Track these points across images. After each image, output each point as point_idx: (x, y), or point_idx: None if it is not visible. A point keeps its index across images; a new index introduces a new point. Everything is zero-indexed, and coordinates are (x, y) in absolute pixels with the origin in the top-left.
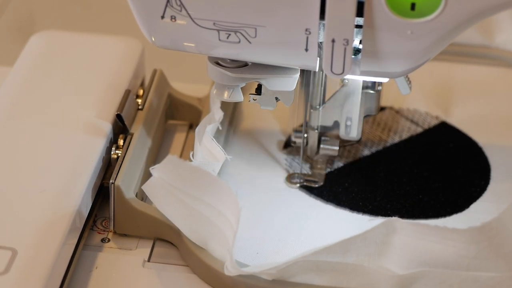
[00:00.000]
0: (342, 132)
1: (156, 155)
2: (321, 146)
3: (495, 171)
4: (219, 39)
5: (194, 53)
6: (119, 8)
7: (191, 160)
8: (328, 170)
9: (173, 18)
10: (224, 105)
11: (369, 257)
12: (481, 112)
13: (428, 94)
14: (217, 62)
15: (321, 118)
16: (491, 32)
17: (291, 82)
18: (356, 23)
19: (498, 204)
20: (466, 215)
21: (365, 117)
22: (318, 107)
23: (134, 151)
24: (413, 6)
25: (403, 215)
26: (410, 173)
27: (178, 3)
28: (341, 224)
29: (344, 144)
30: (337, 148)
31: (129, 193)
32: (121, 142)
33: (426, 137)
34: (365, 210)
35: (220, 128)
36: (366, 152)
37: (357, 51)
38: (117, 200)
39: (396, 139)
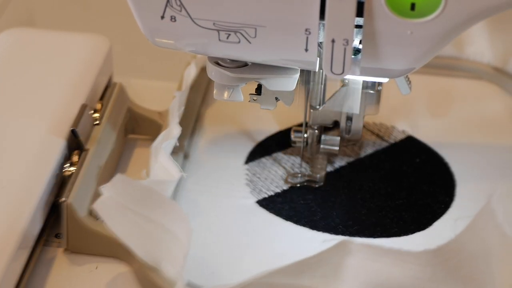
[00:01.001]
0: (342, 132)
1: (113, 172)
2: (321, 146)
3: (460, 187)
4: (219, 39)
5: (194, 53)
6: (119, 8)
7: (144, 178)
8: (330, 170)
9: (173, 18)
10: (185, 119)
11: (324, 279)
12: (449, 125)
13: (395, 107)
14: (217, 62)
15: (321, 118)
16: (462, 43)
17: (291, 82)
18: (356, 23)
19: (462, 221)
20: (429, 233)
21: (364, 116)
22: (318, 107)
23: (89, 168)
24: (413, 6)
25: (364, 233)
26: (374, 189)
27: (178, 3)
28: (300, 243)
29: (344, 144)
30: (337, 148)
31: (82, 211)
32: (75, 158)
33: (391, 152)
34: (325, 228)
35: (177, 144)
36: (329, 167)
37: (357, 51)
38: (69, 218)
39: (361, 154)
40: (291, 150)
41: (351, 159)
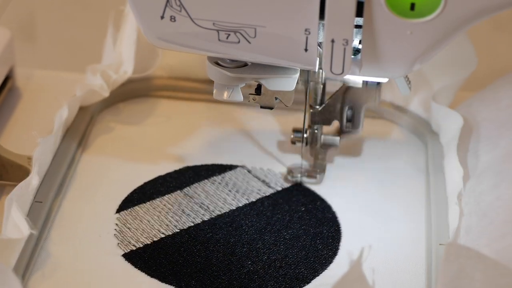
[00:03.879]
0: (343, 127)
1: None
2: (323, 137)
3: (345, 240)
4: (219, 39)
5: (193, 53)
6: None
7: None
8: (207, 217)
9: (172, 18)
10: (54, 167)
11: None
12: (343, 168)
13: (283, 150)
14: (217, 62)
15: (321, 118)
16: None
17: (291, 82)
18: (355, 23)
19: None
20: None
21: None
22: (318, 107)
23: None
24: (412, 6)
25: None
26: (252, 241)
27: (178, 3)
28: None
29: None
30: (337, 143)
31: None
32: None
33: (276, 200)
34: (195, 286)
35: (32, 197)
36: (207, 216)
37: (356, 51)
38: None
39: (243, 201)
40: (169, 196)
41: (232, 207)
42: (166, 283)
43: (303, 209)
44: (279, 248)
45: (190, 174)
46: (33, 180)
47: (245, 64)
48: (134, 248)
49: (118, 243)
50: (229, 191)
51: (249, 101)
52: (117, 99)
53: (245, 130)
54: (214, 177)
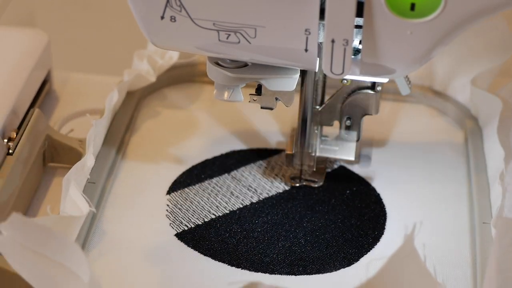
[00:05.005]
0: (341, 132)
1: (28, 203)
2: (321, 146)
3: (390, 221)
4: (219, 40)
5: (193, 53)
6: (119, 8)
7: (48, 214)
8: (256, 200)
9: (172, 18)
10: (106, 149)
11: None
12: (385, 153)
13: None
14: (217, 62)
15: (321, 118)
16: None
17: (291, 83)
18: (356, 23)
19: (386, 259)
20: (353, 270)
21: (363, 116)
22: (318, 107)
23: None
24: (412, 7)
25: (286, 270)
26: (300, 222)
27: (178, 3)
28: (217, 280)
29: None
30: (337, 148)
31: None
32: None
33: (323, 184)
34: (244, 265)
35: (89, 177)
36: (255, 198)
37: (356, 51)
38: None
39: (289, 184)
40: (217, 179)
41: (279, 190)
42: (219, 261)
43: (347, 191)
44: (326, 228)
45: (236, 157)
46: (88, 161)
47: (245, 64)
48: (186, 228)
49: (170, 223)
50: (276, 175)
51: (249, 101)
52: (162, 84)
53: None
54: (260, 161)
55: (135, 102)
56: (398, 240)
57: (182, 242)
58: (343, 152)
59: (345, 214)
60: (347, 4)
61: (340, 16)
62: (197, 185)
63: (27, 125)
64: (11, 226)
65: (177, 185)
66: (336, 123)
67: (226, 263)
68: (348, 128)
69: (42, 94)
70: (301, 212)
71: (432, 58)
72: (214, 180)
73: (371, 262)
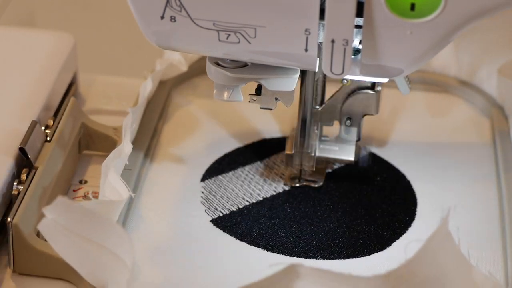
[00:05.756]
0: (341, 132)
1: (66, 190)
2: (321, 146)
3: (421, 206)
4: (219, 40)
5: (193, 53)
6: (119, 8)
7: (90, 199)
8: (286, 188)
9: (172, 18)
10: (140, 136)
11: None
12: (413, 142)
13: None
14: (217, 62)
15: (321, 118)
16: None
17: (291, 83)
18: (356, 23)
19: (420, 243)
20: (387, 254)
21: (363, 116)
22: (317, 107)
23: (37, 187)
24: (412, 7)
25: (320, 255)
26: (332, 208)
27: (178, 3)
28: (252, 265)
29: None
30: (337, 148)
31: (29, 232)
32: (24, 176)
33: (352, 170)
34: (280, 249)
35: (127, 163)
36: (287, 185)
37: (356, 51)
38: (16, 238)
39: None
40: (250, 166)
41: (310, 176)
42: (254, 246)
43: (378, 178)
44: (358, 213)
45: (268, 145)
46: (125, 148)
47: (245, 64)
48: (221, 215)
49: (205, 210)
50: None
51: (249, 101)
52: (193, 74)
53: None
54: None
55: (167, 91)
56: (430, 224)
57: (218, 228)
58: (343, 152)
59: (376, 200)
60: (347, 4)
61: (340, 16)
62: (230, 173)
63: (63, 113)
64: (56, 209)
65: (210, 173)
66: (336, 123)
67: (262, 248)
68: (347, 128)
69: (69, 96)
70: (332, 199)
71: (432, 57)
72: (247, 167)
73: (408, 244)
